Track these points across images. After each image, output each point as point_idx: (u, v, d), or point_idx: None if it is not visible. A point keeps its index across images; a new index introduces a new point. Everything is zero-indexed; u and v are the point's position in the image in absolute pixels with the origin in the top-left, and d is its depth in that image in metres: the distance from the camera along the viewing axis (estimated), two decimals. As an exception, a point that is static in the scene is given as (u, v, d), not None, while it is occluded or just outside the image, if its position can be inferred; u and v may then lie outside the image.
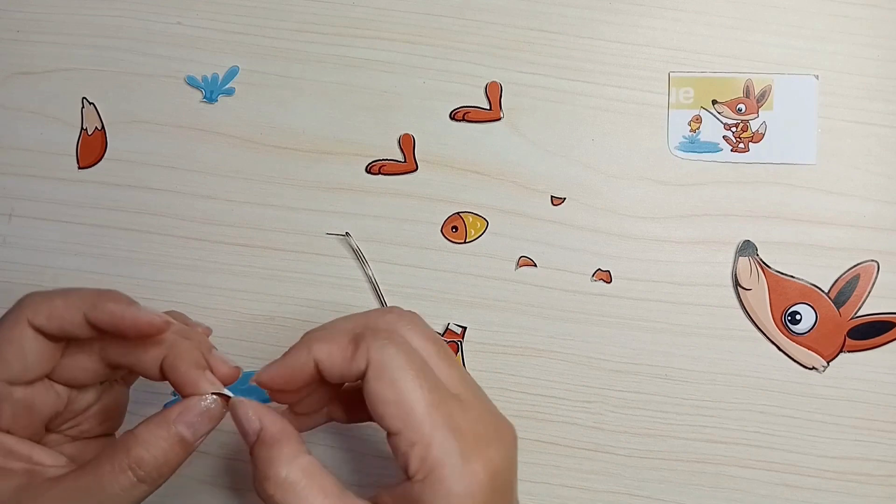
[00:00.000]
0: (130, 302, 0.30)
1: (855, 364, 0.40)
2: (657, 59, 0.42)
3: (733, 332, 0.40)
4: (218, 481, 0.42)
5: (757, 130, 0.41)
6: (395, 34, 0.42)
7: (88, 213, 0.43)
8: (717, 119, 0.41)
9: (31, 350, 0.30)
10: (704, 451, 0.40)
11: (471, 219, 0.41)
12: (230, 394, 0.30)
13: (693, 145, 0.41)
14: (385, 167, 0.42)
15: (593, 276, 0.41)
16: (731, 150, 0.41)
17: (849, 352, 0.40)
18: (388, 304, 0.41)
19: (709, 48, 0.41)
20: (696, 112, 0.41)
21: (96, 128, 0.43)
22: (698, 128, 0.41)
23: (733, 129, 0.41)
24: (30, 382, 0.31)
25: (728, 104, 0.41)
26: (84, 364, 0.32)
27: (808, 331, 0.40)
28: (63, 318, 0.30)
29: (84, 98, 0.43)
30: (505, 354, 0.41)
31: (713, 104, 0.41)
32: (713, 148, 0.41)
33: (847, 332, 0.40)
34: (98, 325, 0.30)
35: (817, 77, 0.41)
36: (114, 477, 0.28)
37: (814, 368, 0.40)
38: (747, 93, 0.41)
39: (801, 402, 0.40)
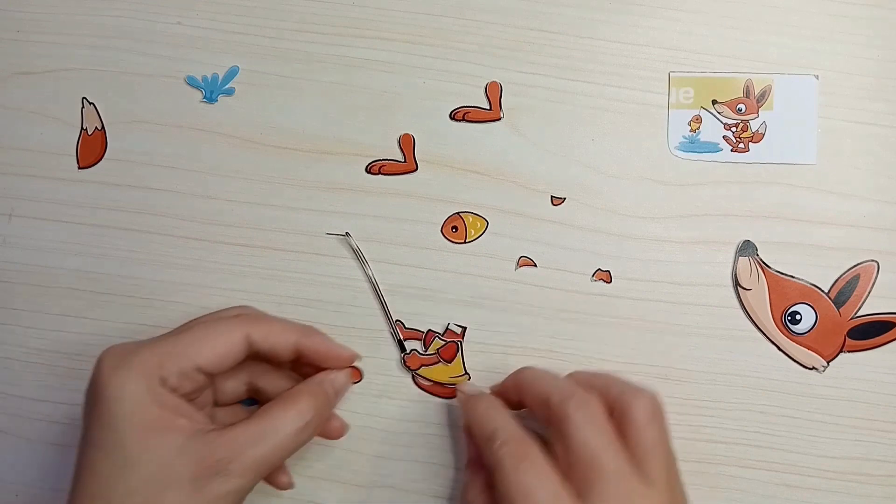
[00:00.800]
0: (327, 337, 0.38)
1: (855, 364, 0.40)
2: (657, 59, 0.42)
3: (733, 332, 0.40)
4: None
5: (757, 130, 0.41)
6: (395, 34, 0.42)
7: (88, 213, 0.43)
8: (717, 119, 0.41)
9: (231, 356, 0.34)
10: (704, 451, 0.40)
11: (471, 219, 0.41)
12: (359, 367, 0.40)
13: (693, 145, 0.41)
14: (385, 167, 0.42)
15: (593, 276, 0.41)
16: (731, 150, 0.41)
17: (849, 352, 0.40)
18: (388, 304, 0.41)
19: (709, 48, 0.41)
20: (696, 112, 0.41)
21: (96, 128, 0.43)
22: (698, 128, 0.41)
23: (733, 129, 0.41)
24: (208, 377, 0.35)
25: (728, 104, 0.41)
26: (231, 387, 0.38)
27: (808, 331, 0.40)
28: (278, 340, 0.35)
29: (84, 98, 0.43)
30: (505, 354, 0.41)
31: (713, 104, 0.41)
32: (713, 148, 0.41)
33: (847, 332, 0.40)
34: (304, 354, 0.36)
35: (817, 77, 0.41)
36: (287, 421, 0.34)
37: (814, 368, 0.40)
38: (747, 93, 0.41)
39: (801, 402, 0.40)
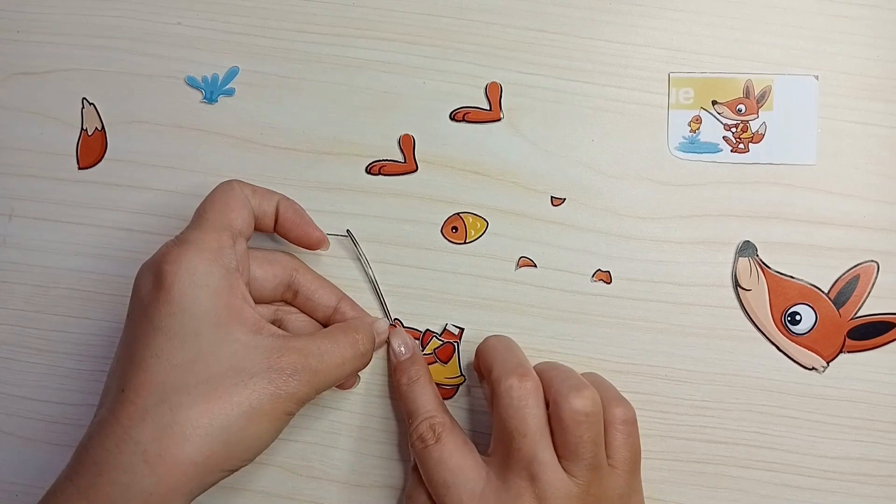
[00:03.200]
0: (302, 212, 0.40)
1: (855, 364, 0.40)
2: (657, 60, 0.42)
3: (733, 332, 0.40)
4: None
5: (757, 131, 0.41)
6: (395, 34, 0.42)
7: (88, 213, 0.43)
8: (717, 119, 0.41)
9: (249, 210, 0.37)
10: (704, 452, 0.40)
11: (471, 219, 0.41)
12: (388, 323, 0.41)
13: (693, 146, 0.41)
14: (385, 167, 0.42)
15: (593, 276, 0.41)
16: (731, 151, 0.41)
17: (849, 352, 0.40)
18: (387, 304, 0.41)
19: (709, 48, 0.41)
20: (696, 112, 0.41)
21: (96, 128, 0.43)
22: (698, 128, 0.41)
23: (733, 129, 0.41)
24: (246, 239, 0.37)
25: (728, 104, 0.41)
26: (270, 285, 0.39)
27: (808, 331, 0.40)
28: (262, 201, 0.38)
29: (84, 98, 0.43)
30: (505, 355, 0.41)
31: (713, 105, 0.41)
32: (713, 148, 0.41)
33: (847, 333, 0.40)
34: (280, 218, 0.38)
35: (817, 77, 0.41)
36: (348, 346, 0.36)
37: (813, 369, 0.40)
38: (747, 93, 0.41)
39: (800, 402, 0.40)
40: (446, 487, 0.35)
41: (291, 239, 0.39)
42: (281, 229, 0.39)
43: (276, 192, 0.39)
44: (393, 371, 0.40)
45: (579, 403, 0.34)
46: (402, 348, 0.40)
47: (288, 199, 0.39)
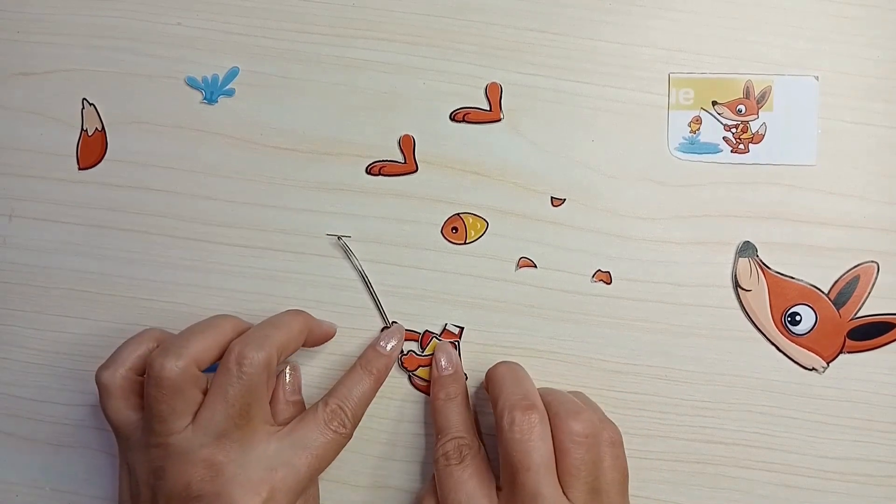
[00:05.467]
0: (318, 324, 0.40)
1: (855, 365, 0.40)
2: (657, 60, 0.42)
3: (733, 332, 0.40)
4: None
5: (757, 131, 0.41)
6: (395, 34, 0.42)
7: (88, 214, 0.43)
8: (717, 120, 0.41)
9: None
10: (704, 452, 0.40)
11: (471, 220, 0.41)
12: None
13: (693, 146, 0.41)
14: (385, 168, 0.42)
15: (593, 276, 0.41)
16: (731, 151, 0.41)
17: (849, 353, 0.40)
18: (383, 305, 0.41)
19: (709, 49, 0.41)
20: (696, 113, 0.41)
21: (96, 128, 0.43)
22: (698, 129, 0.41)
23: (733, 130, 0.41)
24: None
25: (728, 105, 0.41)
26: None
27: (808, 332, 0.40)
28: (287, 350, 0.37)
29: (84, 98, 0.43)
30: (505, 355, 0.41)
31: (713, 105, 0.41)
32: (713, 149, 0.41)
33: (847, 333, 0.40)
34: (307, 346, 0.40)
35: (817, 77, 0.41)
36: (319, 427, 0.36)
37: (813, 369, 0.40)
38: (747, 94, 0.41)
39: (800, 402, 0.40)
40: None
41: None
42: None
43: (291, 332, 0.38)
44: (432, 383, 0.40)
45: (578, 426, 0.34)
46: (446, 363, 0.40)
47: (309, 323, 0.40)
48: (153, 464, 0.34)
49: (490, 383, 0.38)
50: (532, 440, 0.34)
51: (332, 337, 0.41)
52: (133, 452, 0.36)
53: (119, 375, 0.36)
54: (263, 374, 0.35)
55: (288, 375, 0.39)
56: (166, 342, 0.36)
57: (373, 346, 0.40)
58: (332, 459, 0.37)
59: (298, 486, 0.35)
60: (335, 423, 0.37)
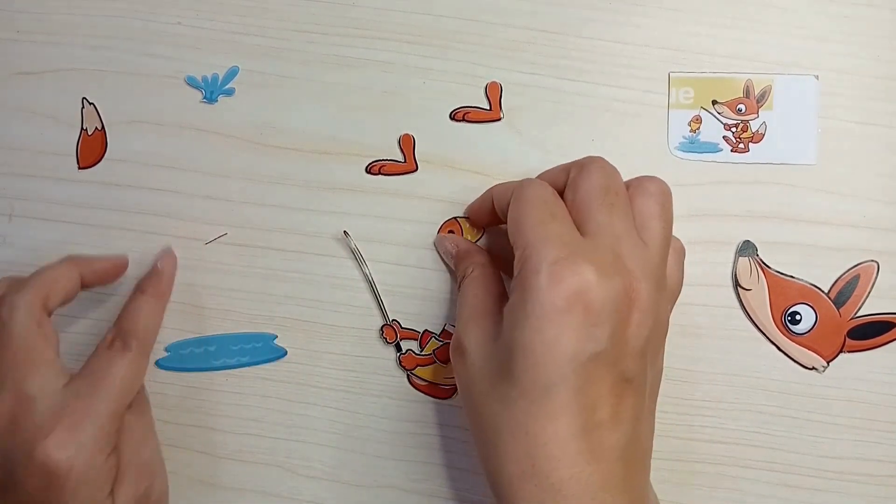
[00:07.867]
0: (95, 259, 0.41)
1: (855, 364, 0.40)
2: (657, 59, 0.42)
3: (733, 332, 0.40)
4: (217, 481, 0.42)
5: (757, 131, 0.41)
6: (395, 34, 0.42)
7: (88, 214, 0.43)
8: (718, 119, 0.41)
9: (53, 332, 0.38)
10: (704, 451, 0.40)
11: (468, 225, 0.41)
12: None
13: (693, 145, 0.41)
14: (385, 167, 0.42)
15: (593, 276, 0.41)
16: (731, 151, 0.41)
17: (849, 352, 0.40)
18: (384, 305, 0.41)
19: (709, 48, 0.41)
20: (696, 112, 0.41)
21: (96, 128, 0.43)
22: (698, 128, 0.41)
23: (733, 129, 0.41)
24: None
25: (728, 104, 0.41)
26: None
27: (808, 331, 0.40)
28: (69, 292, 0.38)
29: (84, 98, 0.43)
30: (505, 354, 0.41)
31: (713, 104, 0.41)
32: (713, 148, 0.41)
33: (847, 333, 0.40)
34: (89, 285, 0.40)
35: (817, 77, 0.41)
36: (110, 355, 0.37)
37: (814, 369, 0.40)
38: (747, 93, 0.41)
39: (800, 402, 0.40)
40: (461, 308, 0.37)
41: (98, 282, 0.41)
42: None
43: (71, 269, 0.39)
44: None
45: (589, 179, 0.34)
46: (450, 246, 0.40)
47: (84, 262, 0.40)
48: None
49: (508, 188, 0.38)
50: (529, 212, 0.34)
51: (123, 267, 0.41)
52: None
53: None
54: (29, 314, 0.36)
55: None
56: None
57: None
58: (132, 383, 0.37)
59: (99, 416, 0.35)
60: (117, 344, 0.37)
